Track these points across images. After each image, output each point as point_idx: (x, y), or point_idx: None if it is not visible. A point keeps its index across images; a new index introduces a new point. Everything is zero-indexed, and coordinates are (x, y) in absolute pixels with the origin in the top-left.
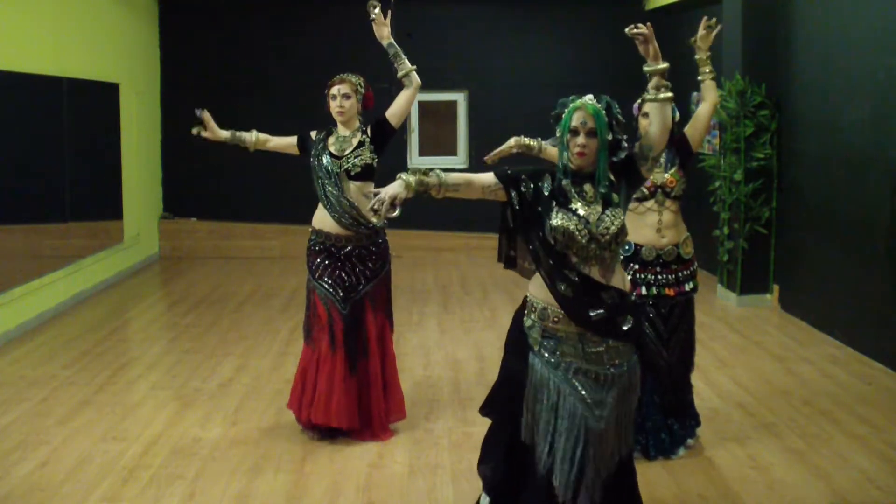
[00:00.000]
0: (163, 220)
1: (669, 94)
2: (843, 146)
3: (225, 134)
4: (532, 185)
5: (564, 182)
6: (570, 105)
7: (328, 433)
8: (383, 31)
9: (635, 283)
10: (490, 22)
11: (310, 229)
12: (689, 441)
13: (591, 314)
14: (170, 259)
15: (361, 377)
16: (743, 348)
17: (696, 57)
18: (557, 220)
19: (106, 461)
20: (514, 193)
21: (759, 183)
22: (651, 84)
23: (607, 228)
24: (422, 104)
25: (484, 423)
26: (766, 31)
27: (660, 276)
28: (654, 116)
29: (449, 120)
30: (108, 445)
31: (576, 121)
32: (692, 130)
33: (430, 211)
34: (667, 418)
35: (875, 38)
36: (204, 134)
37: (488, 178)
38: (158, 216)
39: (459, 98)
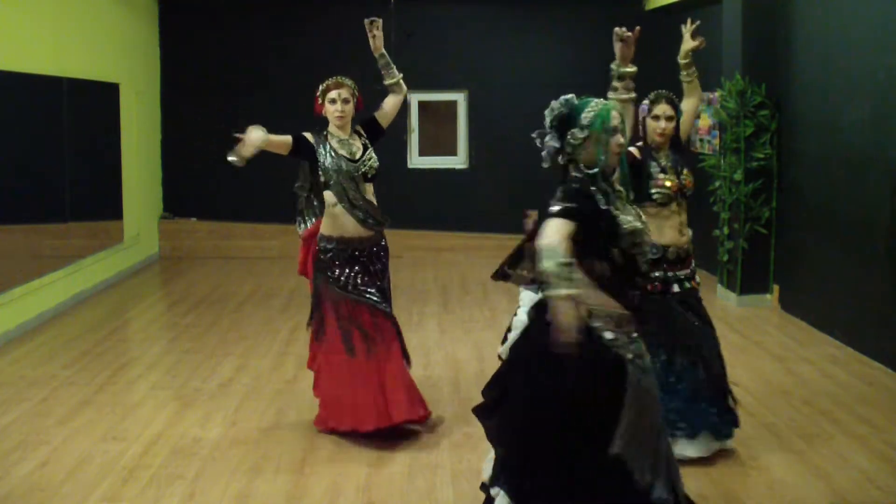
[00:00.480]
0: (163, 220)
1: (634, 95)
2: (843, 146)
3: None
4: (590, 206)
5: (605, 186)
6: (601, 105)
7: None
8: (378, 44)
9: (667, 283)
10: (490, 22)
11: (302, 236)
12: (728, 441)
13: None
14: (170, 259)
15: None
16: (743, 348)
17: (684, 61)
18: (628, 224)
19: (106, 461)
20: (582, 224)
21: (759, 183)
22: (623, 84)
23: (647, 226)
24: (422, 104)
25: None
26: (766, 31)
27: (681, 272)
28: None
29: (449, 120)
30: (108, 445)
31: (616, 120)
32: (681, 125)
33: (430, 211)
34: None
35: (875, 38)
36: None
37: (570, 227)
38: (158, 216)
39: (459, 98)
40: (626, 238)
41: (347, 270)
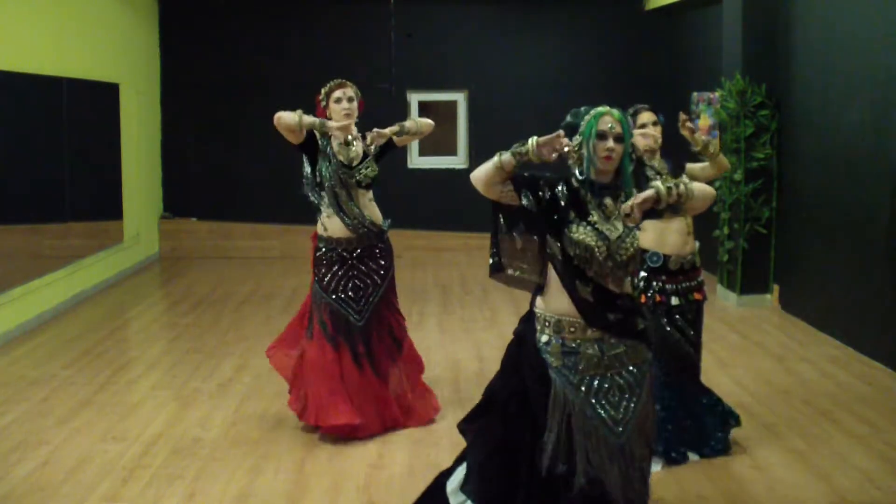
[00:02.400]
0: (163, 220)
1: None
2: (843, 146)
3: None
4: (549, 192)
5: (583, 193)
6: (595, 111)
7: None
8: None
9: (665, 294)
10: (490, 22)
11: (311, 237)
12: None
13: (610, 317)
14: (170, 259)
15: (394, 376)
16: (743, 348)
17: (698, 150)
18: (578, 234)
19: (106, 461)
20: (530, 196)
21: (759, 183)
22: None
23: (626, 250)
24: (422, 104)
25: None
26: (766, 31)
27: (683, 284)
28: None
29: (449, 120)
30: (108, 445)
31: (603, 125)
32: (693, 173)
33: (430, 211)
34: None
35: (875, 38)
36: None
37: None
38: (158, 216)
39: (459, 98)
40: (569, 243)
41: (335, 270)
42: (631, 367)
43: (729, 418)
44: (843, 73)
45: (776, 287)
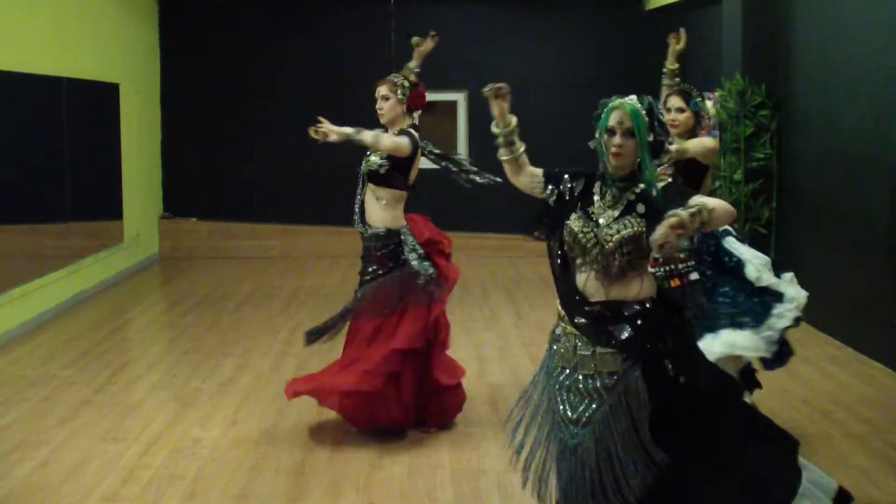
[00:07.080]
0: (163, 220)
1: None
2: (843, 146)
3: (347, 131)
4: (569, 185)
5: (597, 185)
6: (609, 104)
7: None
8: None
9: None
10: (490, 22)
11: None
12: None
13: (575, 320)
14: (170, 259)
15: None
16: None
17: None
18: (571, 220)
19: (106, 461)
20: (550, 188)
21: (759, 183)
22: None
23: (611, 235)
24: None
25: (481, 424)
26: (766, 31)
27: (662, 269)
28: None
29: (449, 120)
30: (108, 445)
31: (612, 120)
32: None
33: (430, 211)
34: None
35: (875, 38)
36: (319, 135)
37: (537, 170)
38: (158, 216)
39: (459, 98)
40: (565, 233)
41: (362, 263)
42: (596, 376)
43: None
44: (843, 73)
45: None
